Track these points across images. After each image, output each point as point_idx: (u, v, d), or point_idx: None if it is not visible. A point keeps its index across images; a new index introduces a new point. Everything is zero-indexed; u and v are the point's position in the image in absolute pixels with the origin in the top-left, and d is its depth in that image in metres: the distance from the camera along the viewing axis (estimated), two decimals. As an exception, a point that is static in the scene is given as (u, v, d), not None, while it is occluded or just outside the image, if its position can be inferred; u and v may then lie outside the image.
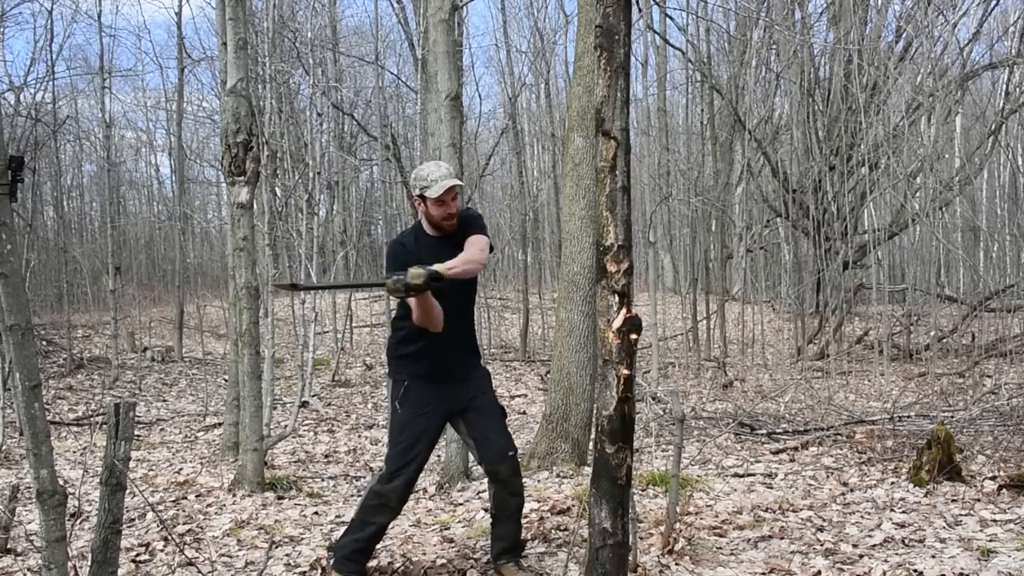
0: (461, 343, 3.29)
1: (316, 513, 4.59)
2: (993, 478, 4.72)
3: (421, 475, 5.62)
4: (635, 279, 2.60)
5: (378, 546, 3.80)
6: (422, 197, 3.16)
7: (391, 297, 3.02)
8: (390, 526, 4.18)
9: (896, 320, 12.55)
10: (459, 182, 3.19)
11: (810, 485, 4.87)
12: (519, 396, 10.05)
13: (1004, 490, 4.46)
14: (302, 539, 4.05)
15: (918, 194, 12.91)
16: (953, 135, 16.19)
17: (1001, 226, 17.87)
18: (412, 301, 3.01)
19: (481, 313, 14.20)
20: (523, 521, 3.97)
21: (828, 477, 5.07)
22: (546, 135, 19.17)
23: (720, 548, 3.67)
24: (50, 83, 13.68)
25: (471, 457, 4.85)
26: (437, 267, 2.93)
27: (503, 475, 3.23)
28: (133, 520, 4.44)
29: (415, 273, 2.87)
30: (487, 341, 14.27)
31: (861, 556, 3.53)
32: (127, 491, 2.57)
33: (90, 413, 8.92)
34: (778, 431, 6.77)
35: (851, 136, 12.48)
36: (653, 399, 8.15)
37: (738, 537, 3.81)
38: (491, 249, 3.28)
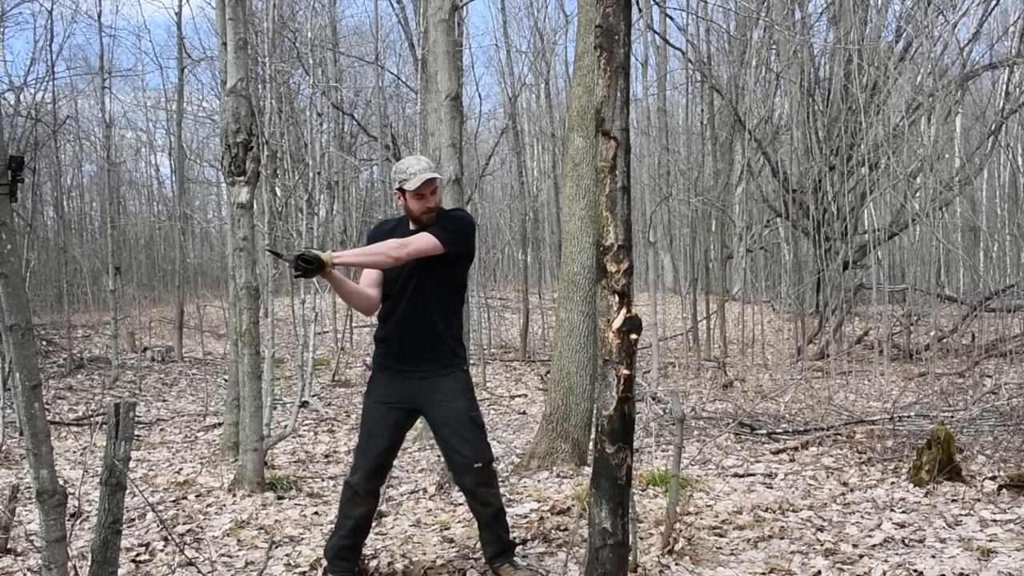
0: (423, 340, 3.19)
1: (316, 513, 4.59)
2: (993, 478, 4.72)
3: (422, 475, 5.65)
4: (635, 279, 2.60)
5: (378, 546, 3.81)
6: (401, 190, 3.18)
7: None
8: (389, 526, 4.20)
9: (896, 320, 12.55)
10: (436, 175, 3.19)
11: (810, 485, 4.87)
12: (519, 396, 10.05)
13: (1004, 490, 4.46)
14: (302, 539, 4.05)
15: (918, 194, 12.91)
16: (953, 135, 16.18)
17: (1001, 226, 17.87)
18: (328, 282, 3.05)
19: (481, 313, 14.19)
20: (523, 521, 3.98)
21: (828, 477, 5.07)
22: (546, 135, 19.16)
23: (720, 548, 3.67)
24: (50, 83, 13.69)
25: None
26: (328, 253, 2.93)
27: (468, 486, 3.20)
28: (133, 520, 4.44)
29: (305, 253, 2.90)
30: (487, 341, 14.27)
31: (861, 556, 3.53)
32: (127, 491, 2.57)
33: (90, 413, 8.92)
34: (778, 431, 6.77)
35: (851, 136, 12.48)
36: (653, 399, 8.15)
37: (738, 537, 3.81)
38: (450, 252, 3.12)
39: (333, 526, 3.38)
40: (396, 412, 3.22)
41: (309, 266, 2.88)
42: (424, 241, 3.09)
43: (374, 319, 3.38)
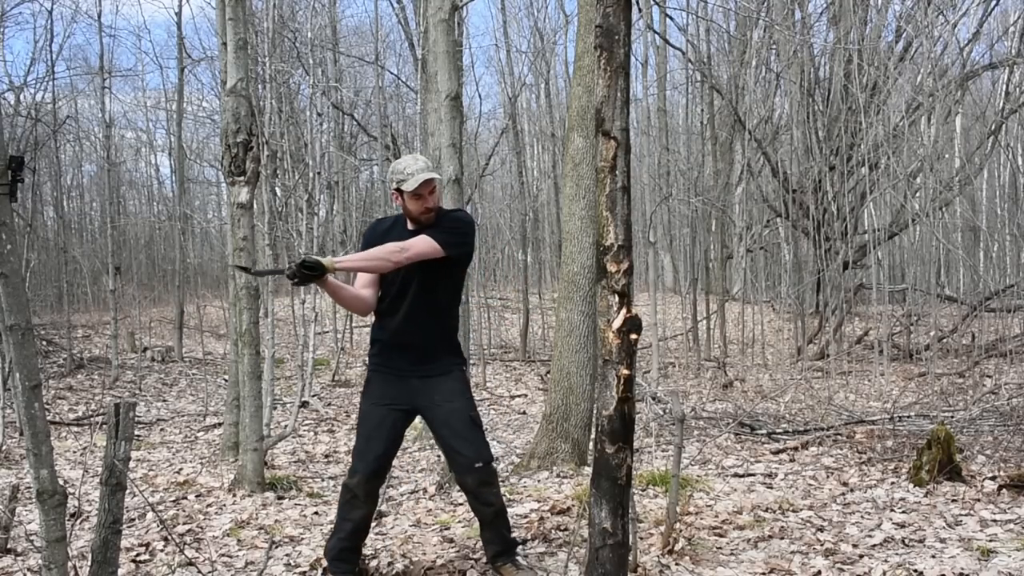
0: (422, 341, 3.19)
1: (316, 513, 4.59)
2: (993, 478, 4.72)
3: (422, 475, 5.65)
4: (635, 279, 2.60)
5: (378, 546, 3.81)
6: (399, 191, 3.16)
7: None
8: (389, 526, 4.20)
9: (896, 320, 12.55)
10: (435, 175, 3.18)
11: (810, 485, 4.87)
12: (519, 396, 10.05)
13: (1004, 490, 4.46)
14: (302, 539, 4.05)
15: (918, 194, 12.90)
16: (953, 135, 16.18)
17: (1001, 226, 17.86)
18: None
19: (481, 313, 14.19)
20: (523, 521, 3.98)
21: (828, 477, 5.07)
22: (546, 135, 19.17)
23: (720, 548, 3.67)
24: (50, 83, 13.69)
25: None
26: (329, 259, 2.93)
27: (470, 486, 3.19)
28: (133, 520, 4.44)
29: (291, 263, 2.91)
30: (487, 341, 14.26)
31: (861, 556, 3.53)
32: (127, 491, 2.57)
33: (90, 413, 8.92)
34: (778, 431, 6.77)
35: (851, 136, 12.48)
36: (653, 399, 8.15)
37: (738, 537, 3.81)
38: (450, 255, 3.13)
39: (332, 527, 3.38)
40: (394, 413, 3.21)
41: (311, 272, 2.87)
42: (424, 244, 3.08)
43: (371, 319, 3.38)
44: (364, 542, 3.38)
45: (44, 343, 12.72)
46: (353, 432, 7.75)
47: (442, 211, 3.28)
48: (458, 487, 4.90)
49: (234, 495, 4.91)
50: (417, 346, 3.19)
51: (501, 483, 4.93)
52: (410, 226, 3.23)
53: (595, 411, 3.10)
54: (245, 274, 3.18)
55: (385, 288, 3.22)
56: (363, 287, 3.22)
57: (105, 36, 18.29)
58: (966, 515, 4.09)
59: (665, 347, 13.23)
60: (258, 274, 3.26)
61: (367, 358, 3.36)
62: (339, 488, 5.46)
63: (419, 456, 6.50)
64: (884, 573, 3.30)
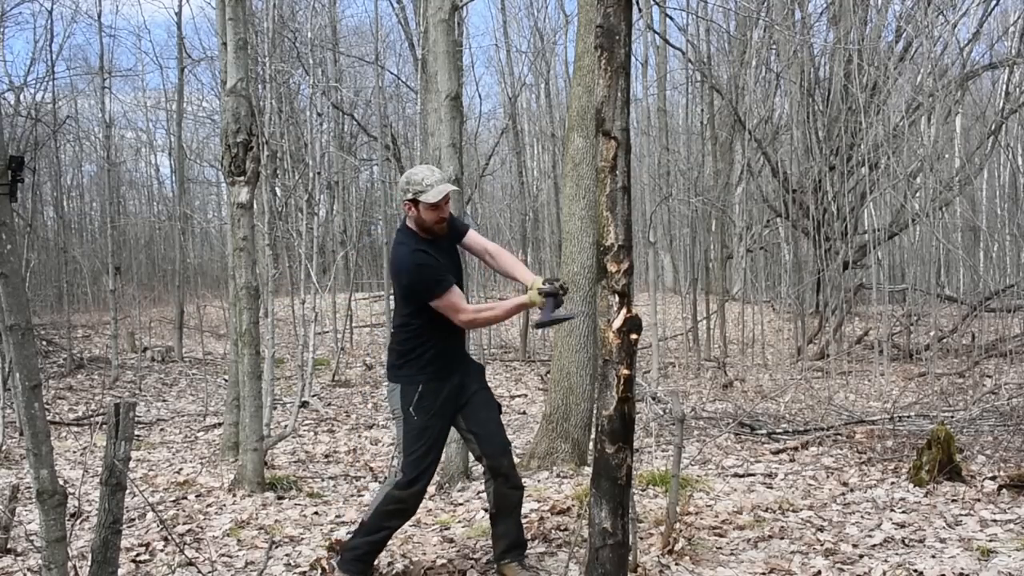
0: (461, 337, 3.40)
1: (316, 513, 4.59)
2: (993, 478, 4.72)
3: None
4: (635, 279, 2.60)
5: (378, 546, 3.80)
6: (414, 202, 3.16)
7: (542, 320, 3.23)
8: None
9: (896, 320, 12.55)
10: (455, 187, 3.23)
11: (810, 485, 4.87)
12: (519, 396, 10.05)
13: (1004, 490, 4.46)
14: (302, 539, 4.05)
15: (918, 194, 12.90)
16: (953, 135, 16.18)
17: (1001, 226, 17.86)
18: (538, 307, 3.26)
19: (481, 313, 14.17)
20: (523, 521, 3.97)
21: (828, 477, 5.07)
22: (546, 135, 19.17)
23: (720, 548, 3.67)
24: (50, 83, 13.69)
25: (470, 457, 4.85)
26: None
27: (504, 468, 3.25)
28: (133, 520, 4.44)
29: (553, 286, 3.18)
30: (487, 341, 14.27)
31: (861, 556, 3.53)
32: (127, 491, 2.57)
33: (90, 413, 8.92)
34: (778, 431, 6.77)
35: (851, 136, 12.48)
36: (653, 399, 8.15)
37: (738, 537, 3.81)
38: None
39: (360, 525, 3.30)
40: (448, 420, 3.32)
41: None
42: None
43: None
44: None
45: (44, 343, 12.72)
46: (353, 432, 7.79)
47: (451, 218, 3.37)
48: (460, 488, 4.93)
49: (234, 495, 4.91)
50: (458, 344, 3.38)
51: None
52: (422, 235, 3.24)
53: (595, 411, 3.10)
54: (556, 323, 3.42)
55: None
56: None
57: (105, 36, 18.29)
58: (966, 515, 4.09)
59: (665, 347, 13.23)
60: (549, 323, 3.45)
61: (407, 370, 3.26)
62: (339, 488, 5.48)
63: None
64: (884, 573, 3.30)
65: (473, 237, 3.43)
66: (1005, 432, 6.23)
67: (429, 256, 3.18)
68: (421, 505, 4.58)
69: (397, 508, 3.21)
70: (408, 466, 3.20)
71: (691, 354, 12.24)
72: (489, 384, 3.55)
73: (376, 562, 3.56)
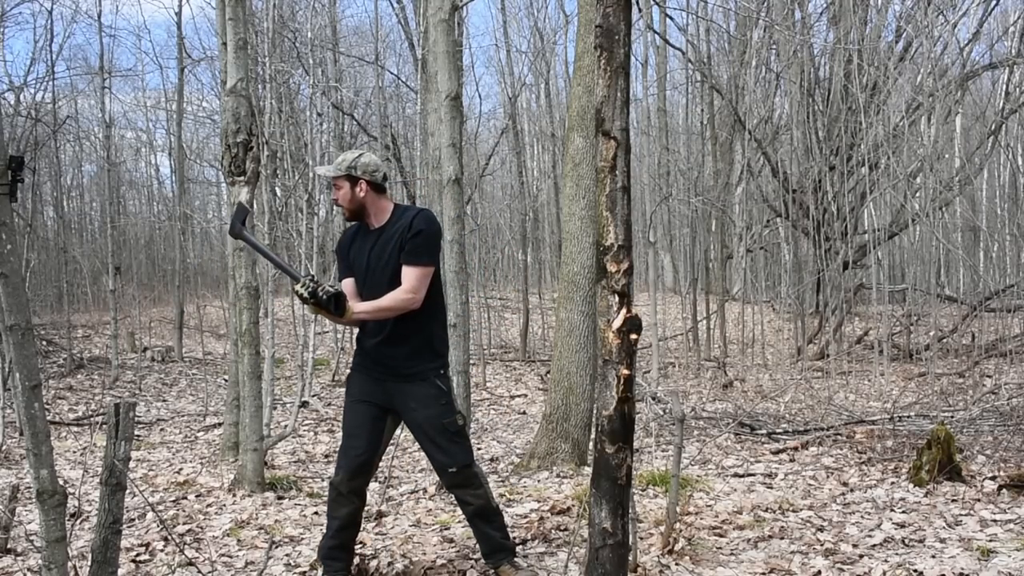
0: (397, 344, 3.18)
1: (316, 513, 4.59)
2: (993, 478, 4.72)
3: (422, 475, 5.65)
4: (635, 279, 2.60)
5: (378, 546, 3.81)
6: (372, 183, 3.19)
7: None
8: (389, 526, 4.20)
9: (896, 320, 12.55)
10: (321, 170, 3.25)
11: (810, 485, 4.87)
12: (519, 396, 10.05)
13: (1004, 490, 4.46)
14: (302, 539, 4.05)
15: (918, 194, 12.90)
16: (953, 135, 16.18)
17: (1001, 226, 17.87)
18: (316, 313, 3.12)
19: (481, 313, 14.19)
20: (523, 521, 3.98)
21: (828, 477, 5.07)
22: (546, 135, 19.17)
23: (720, 548, 3.67)
24: (50, 83, 13.67)
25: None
26: (349, 304, 3.06)
27: (446, 486, 3.36)
28: (133, 520, 4.44)
29: (324, 290, 3.00)
30: (487, 341, 14.26)
31: (861, 556, 3.53)
32: (127, 491, 2.57)
33: (90, 413, 8.92)
34: (778, 431, 6.77)
35: (851, 136, 12.48)
36: (653, 399, 8.15)
37: (738, 537, 3.81)
38: (434, 263, 3.16)
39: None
40: (373, 409, 3.23)
41: (336, 310, 3.01)
42: (419, 278, 3.10)
43: None
44: (355, 540, 3.38)
45: (44, 343, 12.72)
46: (353, 432, 7.79)
47: (407, 219, 3.16)
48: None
49: (234, 495, 4.91)
50: (393, 348, 3.18)
51: (501, 483, 4.95)
52: (375, 224, 3.20)
53: (595, 411, 3.11)
54: (235, 221, 3.22)
55: (362, 292, 3.22)
56: (351, 298, 3.20)
57: (105, 36, 18.30)
58: (966, 515, 4.09)
59: (665, 347, 13.23)
60: (242, 238, 3.30)
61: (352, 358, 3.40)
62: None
63: (419, 456, 6.49)
64: (884, 573, 3.30)
65: (403, 277, 3.12)
66: (1005, 432, 6.23)
67: (342, 240, 3.37)
68: (422, 506, 4.61)
69: (333, 496, 3.23)
70: (338, 450, 3.29)
71: (691, 354, 12.24)
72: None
73: (376, 562, 3.56)
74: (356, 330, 3.39)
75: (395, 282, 3.12)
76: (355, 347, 3.36)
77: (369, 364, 3.25)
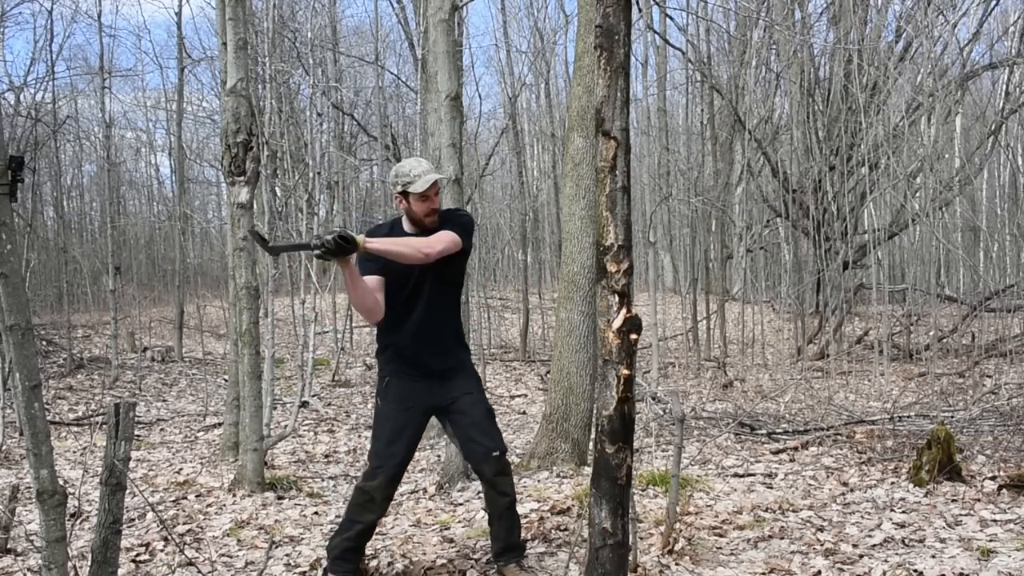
0: (439, 338, 3.24)
1: (316, 513, 4.59)
2: (993, 478, 4.72)
3: (422, 475, 5.65)
4: (635, 279, 2.60)
5: (378, 546, 3.81)
6: (404, 193, 3.16)
7: (320, 259, 2.91)
8: (389, 526, 4.20)
9: (896, 320, 12.55)
10: (442, 175, 3.22)
11: (810, 485, 4.87)
12: (519, 396, 10.05)
13: (1004, 490, 4.46)
14: (302, 539, 4.05)
15: (918, 194, 12.90)
16: (953, 135, 16.19)
17: (1001, 226, 17.87)
18: (343, 273, 2.94)
19: (481, 313, 14.19)
20: (523, 521, 3.97)
21: (828, 477, 5.07)
22: (546, 135, 19.17)
23: (720, 548, 3.67)
24: (50, 83, 13.68)
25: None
26: (361, 237, 2.88)
27: (487, 475, 3.23)
28: (133, 520, 4.44)
29: (329, 240, 2.77)
30: (487, 341, 14.26)
31: (861, 556, 3.53)
32: (127, 491, 2.57)
33: (90, 413, 8.92)
34: (778, 431, 6.77)
35: (851, 136, 12.48)
36: (653, 399, 8.15)
37: (738, 537, 3.81)
38: (466, 248, 3.21)
39: (337, 526, 3.37)
40: (417, 417, 3.25)
41: (347, 245, 2.78)
42: (448, 239, 3.10)
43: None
44: (367, 543, 3.38)
45: (44, 343, 12.72)
46: (353, 432, 7.78)
47: (443, 211, 3.30)
48: (460, 488, 4.93)
49: (234, 495, 4.91)
50: (436, 344, 3.23)
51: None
52: (408, 227, 3.23)
53: (595, 411, 3.11)
54: (263, 248, 3.10)
55: (395, 290, 3.19)
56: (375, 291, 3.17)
57: (105, 36, 18.32)
58: (966, 515, 4.09)
59: (665, 347, 13.23)
60: (275, 251, 3.20)
61: (379, 362, 3.34)
62: (340, 488, 5.47)
63: (419, 456, 6.49)
64: (884, 573, 3.30)
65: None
66: (1005, 432, 6.23)
67: (372, 231, 3.30)
68: (422, 506, 4.61)
69: (364, 501, 3.19)
70: (372, 456, 3.23)
71: (691, 354, 12.24)
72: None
73: (376, 562, 3.56)
74: (366, 331, 3.38)
75: (437, 285, 3.17)
76: (386, 352, 3.29)
77: (408, 368, 3.24)
